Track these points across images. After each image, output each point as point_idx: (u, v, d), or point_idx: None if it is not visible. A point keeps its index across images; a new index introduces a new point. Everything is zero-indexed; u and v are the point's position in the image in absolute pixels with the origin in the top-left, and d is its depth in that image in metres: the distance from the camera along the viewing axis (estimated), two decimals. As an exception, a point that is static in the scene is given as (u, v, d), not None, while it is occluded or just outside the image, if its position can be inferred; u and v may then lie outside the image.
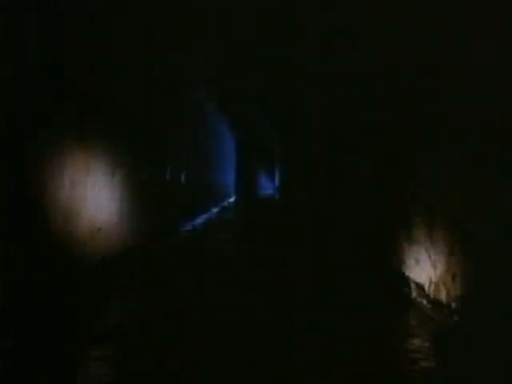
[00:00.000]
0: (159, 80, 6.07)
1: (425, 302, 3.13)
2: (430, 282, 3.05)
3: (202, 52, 7.10)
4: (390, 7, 3.61)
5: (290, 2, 5.00)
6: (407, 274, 3.51)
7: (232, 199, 18.11)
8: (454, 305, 2.66)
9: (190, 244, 6.11)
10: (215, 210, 12.57)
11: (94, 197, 3.78)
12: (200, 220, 9.62)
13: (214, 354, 2.38)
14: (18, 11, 2.47)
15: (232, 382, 2.08)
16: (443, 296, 2.82)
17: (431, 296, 3.01)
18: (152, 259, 5.01)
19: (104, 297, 3.45)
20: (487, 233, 2.28)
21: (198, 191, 9.96)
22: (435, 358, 2.39)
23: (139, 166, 5.22)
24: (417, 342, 2.62)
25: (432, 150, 3.03)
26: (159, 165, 6.28)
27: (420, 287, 3.23)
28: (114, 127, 4.27)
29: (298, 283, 3.97)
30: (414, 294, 3.38)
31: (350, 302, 3.40)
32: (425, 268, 3.15)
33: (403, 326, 2.90)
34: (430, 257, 3.07)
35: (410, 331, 2.79)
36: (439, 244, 2.90)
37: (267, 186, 21.82)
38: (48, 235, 2.95)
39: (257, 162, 19.17)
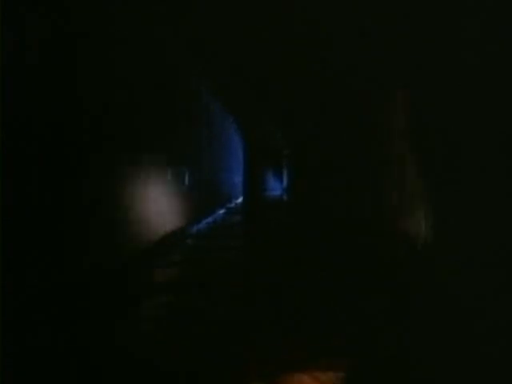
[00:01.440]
0: (163, 76, 6.04)
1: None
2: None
3: (207, 49, 7.07)
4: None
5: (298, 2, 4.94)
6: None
7: (239, 200, 18.09)
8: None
9: (194, 253, 6.05)
10: (221, 211, 12.54)
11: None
12: (205, 223, 9.58)
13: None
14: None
15: None
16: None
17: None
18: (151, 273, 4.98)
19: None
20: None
21: (203, 192, 9.93)
22: None
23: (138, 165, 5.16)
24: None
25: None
26: (160, 164, 6.21)
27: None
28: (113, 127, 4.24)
29: (311, 294, 3.92)
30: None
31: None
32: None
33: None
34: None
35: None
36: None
37: (275, 187, 21.78)
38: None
39: (264, 162, 19.16)
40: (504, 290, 2.33)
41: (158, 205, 6.09)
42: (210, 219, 10.33)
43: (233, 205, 15.28)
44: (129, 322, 3.24)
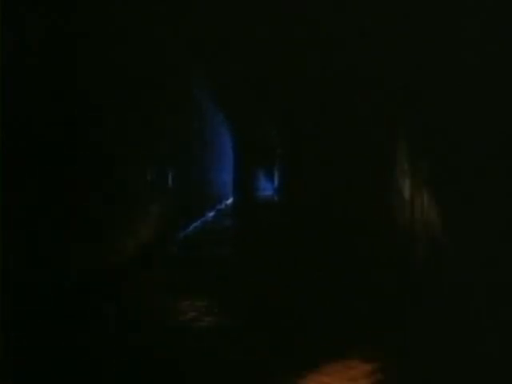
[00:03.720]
0: (159, 76, 6.07)
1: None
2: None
3: (199, 42, 7.15)
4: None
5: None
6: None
7: (229, 201, 18.17)
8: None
9: (179, 270, 5.54)
10: (211, 214, 12.57)
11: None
12: (193, 228, 9.54)
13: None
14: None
15: None
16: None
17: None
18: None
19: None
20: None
21: (191, 194, 9.78)
22: None
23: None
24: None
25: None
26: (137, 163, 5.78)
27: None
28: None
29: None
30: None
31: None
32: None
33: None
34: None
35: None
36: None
37: (266, 187, 21.93)
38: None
39: (255, 161, 19.29)
40: (504, 290, 2.48)
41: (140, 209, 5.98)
42: (199, 222, 10.31)
43: (223, 206, 15.34)
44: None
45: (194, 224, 9.89)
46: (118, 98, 4.63)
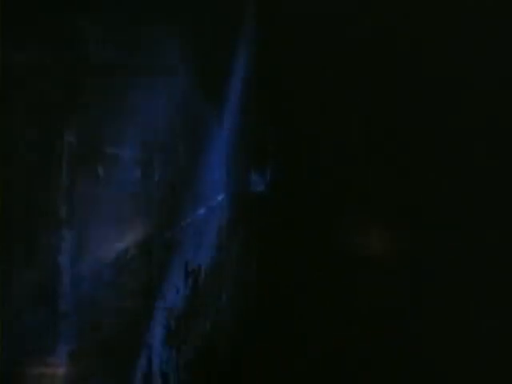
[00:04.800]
0: (146, 65, 6.03)
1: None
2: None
3: (193, 40, 7.11)
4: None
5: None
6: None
7: (221, 197, 18.10)
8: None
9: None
10: (202, 211, 12.55)
11: None
12: (182, 227, 9.50)
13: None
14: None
15: None
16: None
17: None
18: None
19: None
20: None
21: (180, 191, 9.73)
22: None
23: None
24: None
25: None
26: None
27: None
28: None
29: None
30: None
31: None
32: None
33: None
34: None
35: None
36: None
37: (258, 182, 21.97)
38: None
39: (247, 155, 19.27)
40: (504, 292, 2.54)
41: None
42: (188, 220, 10.28)
43: (214, 203, 15.29)
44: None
45: (184, 222, 9.89)
46: (112, 94, 4.62)
